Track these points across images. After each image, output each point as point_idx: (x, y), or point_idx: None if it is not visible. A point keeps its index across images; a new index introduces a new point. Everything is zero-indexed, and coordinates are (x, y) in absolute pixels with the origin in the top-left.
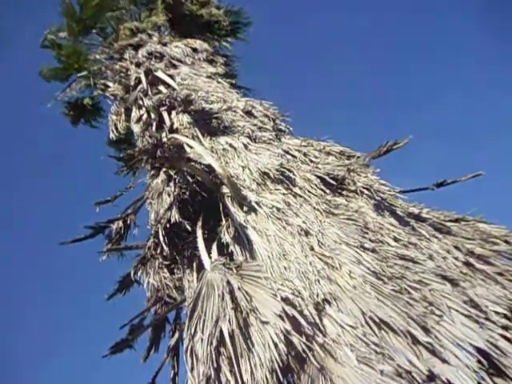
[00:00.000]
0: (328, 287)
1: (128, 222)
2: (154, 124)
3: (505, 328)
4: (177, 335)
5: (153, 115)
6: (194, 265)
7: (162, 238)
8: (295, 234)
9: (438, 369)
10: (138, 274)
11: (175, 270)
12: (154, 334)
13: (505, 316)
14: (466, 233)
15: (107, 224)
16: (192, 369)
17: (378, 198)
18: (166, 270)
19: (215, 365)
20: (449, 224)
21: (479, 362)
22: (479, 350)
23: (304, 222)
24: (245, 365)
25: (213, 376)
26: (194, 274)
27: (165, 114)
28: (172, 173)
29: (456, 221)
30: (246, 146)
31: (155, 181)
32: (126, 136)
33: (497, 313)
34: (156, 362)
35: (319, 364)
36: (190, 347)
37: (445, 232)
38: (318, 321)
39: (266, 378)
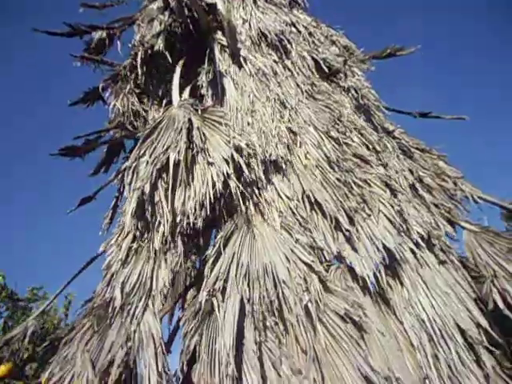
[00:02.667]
0: (283, 152)
1: (111, 35)
2: None
3: (416, 244)
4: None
5: None
6: (164, 102)
7: (139, 61)
8: (271, 100)
9: (347, 253)
10: (107, 93)
11: (144, 101)
12: (108, 155)
13: (421, 237)
14: (424, 163)
15: (89, 29)
16: (130, 183)
17: (361, 101)
18: (135, 97)
19: (153, 182)
20: (414, 150)
21: (383, 258)
22: (388, 250)
23: (283, 94)
24: (180, 193)
25: (147, 192)
26: (161, 110)
27: None
28: (171, 0)
29: (422, 150)
30: (254, 1)
31: (151, 6)
32: None
33: (417, 232)
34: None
35: (247, 217)
36: (134, 165)
37: (407, 155)
38: (260, 179)
39: (195, 209)
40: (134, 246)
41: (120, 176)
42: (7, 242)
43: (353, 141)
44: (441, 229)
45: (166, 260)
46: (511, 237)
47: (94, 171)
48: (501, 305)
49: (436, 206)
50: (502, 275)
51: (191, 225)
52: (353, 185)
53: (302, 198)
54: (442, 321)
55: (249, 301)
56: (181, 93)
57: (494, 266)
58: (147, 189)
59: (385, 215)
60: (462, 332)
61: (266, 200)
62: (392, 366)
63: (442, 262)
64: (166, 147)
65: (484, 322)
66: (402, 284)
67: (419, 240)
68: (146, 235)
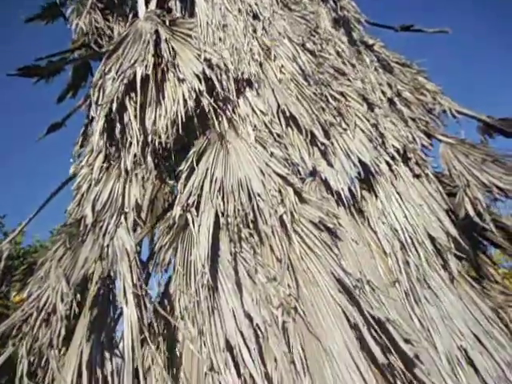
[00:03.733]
0: (255, 70)
1: None
2: None
3: (391, 158)
4: None
5: None
6: (130, 17)
7: None
8: (243, 12)
9: (322, 168)
10: (68, 9)
11: (109, 18)
12: (74, 79)
13: (397, 151)
14: (404, 77)
15: None
16: (97, 101)
17: (340, 13)
18: (99, 13)
19: (121, 99)
20: (394, 64)
21: (358, 173)
22: (363, 164)
23: (257, 5)
24: (150, 112)
25: (115, 109)
26: (128, 26)
27: None
28: None
29: (402, 65)
30: None
31: None
32: None
33: (393, 146)
34: None
35: (221, 133)
36: (99, 83)
37: (386, 69)
38: (233, 96)
39: (167, 128)
40: (105, 165)
41: (88, 101)
42: None
43: (329, 53)
44: (417, 142)
45: (136, 177)
46: (486, 148)
47: (60, 96)
48: (471, 213)
49: (413, 120)
50: (474, 184)
51: (163, 144)
52: (329, 98)
53: (277, 112)
54: (414, 229)
55: (223, 214)
56: (147, 6)
57: (468, 177)
58: (115, 106)
59: (361, 129)
60: (432, 240)
61: (239, 115)
62: (364, 270)
63: (416, 176)
64: (132, 62)
65: (454, 231)
66: (376, 196)
67: (395, 154)
68: (116, 154)
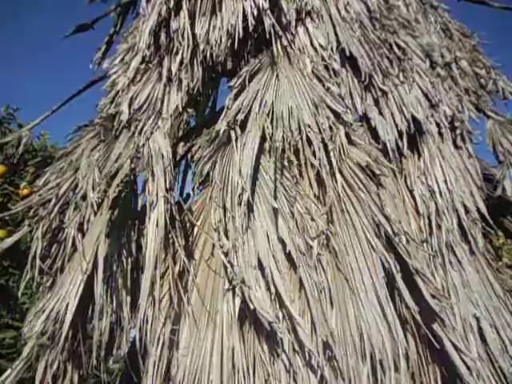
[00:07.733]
0: (318, 5)
1: None
2: None
3: (442, 121)
4: None
5: None
6: None
7: None
8: None
9: (373, 115)
10: None
11: None
12: None
13: (445, 117)
14: (462, 46)
15: None
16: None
17: None
18: None
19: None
20: (454, 32)
21: (408, 127)
22: (414, 120)
23: None
24: (204, 22)
25: (167, 9)
26: None
27: None
28: None
29: (462, 34)
30: None
31: None
32: None
33: (444, 111)
34: None
35: (274, 58)
36: None
37: (447, 35)
38: (292, 23)
39: (221, 40)
40: (143, 66)
41: (119, 9)
42: None
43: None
44: (465, 114)
45: (180, 84)
46: None
47: None
48: (509, 191)
49: (466, 91)
50: None
51: (214, 57)
52: (393, 46)
53: (337, 49)
54: (451, 196)
55: (271, 138)
56: None
57: None
58: (171, 5)
59: (419, 86)
60: (467, 210)
61: (297, 44)
62: (402, 222)
63: (457, 147)
64: None
65: (483, 209)
66: (419, 155)
67: (443, 119)
68: (157, 58)
